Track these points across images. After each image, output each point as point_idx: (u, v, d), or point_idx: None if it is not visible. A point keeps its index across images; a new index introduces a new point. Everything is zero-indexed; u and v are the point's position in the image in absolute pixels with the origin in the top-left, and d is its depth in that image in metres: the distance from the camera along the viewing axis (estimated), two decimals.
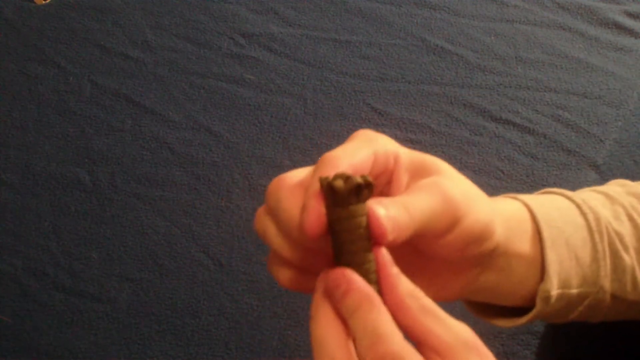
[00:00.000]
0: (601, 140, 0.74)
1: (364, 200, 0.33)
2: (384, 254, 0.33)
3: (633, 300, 0.45)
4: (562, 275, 0.43)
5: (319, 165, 0.35)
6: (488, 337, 0.59)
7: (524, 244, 0.42)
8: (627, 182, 0.50)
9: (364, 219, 0.33)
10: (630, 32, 0.84)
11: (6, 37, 0.86)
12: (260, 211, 0.37)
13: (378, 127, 0.76)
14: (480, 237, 0.38)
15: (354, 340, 0.32)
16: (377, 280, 0.33)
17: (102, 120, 0.78)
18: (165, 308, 0.63)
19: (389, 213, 0.33)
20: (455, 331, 0.33)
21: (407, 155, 0.39)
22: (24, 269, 0.66)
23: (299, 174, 0.37)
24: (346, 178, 0.32)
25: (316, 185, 0.34)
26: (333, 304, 0.33)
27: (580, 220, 0.45)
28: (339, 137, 0.75)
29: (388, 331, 0.32)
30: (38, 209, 0.70)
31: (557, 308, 0.44)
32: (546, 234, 0.43)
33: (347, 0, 0.89)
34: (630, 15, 0.86)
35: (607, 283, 0.44)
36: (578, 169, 0.72)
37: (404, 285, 0.33)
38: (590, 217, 0.44)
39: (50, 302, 0.64)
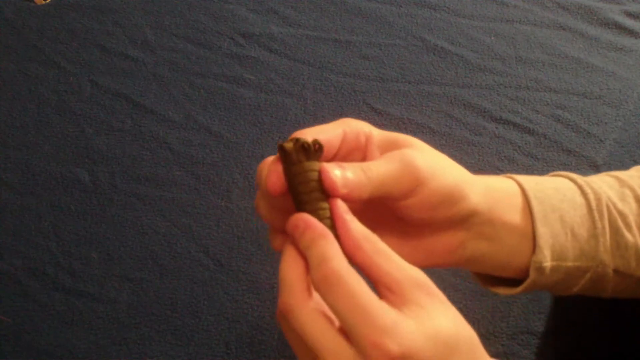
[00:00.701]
0: (601, 140, 0.74)
1: (314, 158, 0.38)
2: (339, 203, 0.38)
3: None
4: (556, 247, 0.44)
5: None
6: (488, 337, 0.60)
7: (512, 215, 0.45)
8: None
9: (315, 174, 0.38)
10: (630, 32, 0.84)
11: (6, 37, 0.86)
12: (257, 193, 0.42)
13: (378, 127, 0.76)
14: (447, 199, 0.41)
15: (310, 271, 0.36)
16: (332, 225, 0.37)
17: (102, 120, 0.78)
18: (165, 308, 0.63)
19: (345, 172, 0.38)
20: (406, 271, 0.36)
21: (380, 133, 0.43)
22: (24, 269, 0.66)
23: None
24: (296, 140, 0.38)
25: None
26: (295, 245, 0.37)
27: (580, 199, 0.46)
28: None
29: (331, 254, 0.35)
30: (38, 209, 0.70)
31: (556, 280, 0.46)
32: (537, 208, 0.45)
33: (347, 0, 0.89)
34: (630, 15, 0.86)
35: (607, 258, 0.45)
36: (578, 169, 0.72)
37: (358, 229, 0.37)
38: (591, 196, 0.46)
39: (50, 302, 0.64)
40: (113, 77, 0.82)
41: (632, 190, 0.46)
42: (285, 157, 0.38)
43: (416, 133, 0.75)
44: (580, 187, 0.46)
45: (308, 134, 0.40)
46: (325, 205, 0.37)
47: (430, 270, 0.64)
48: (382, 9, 0.88)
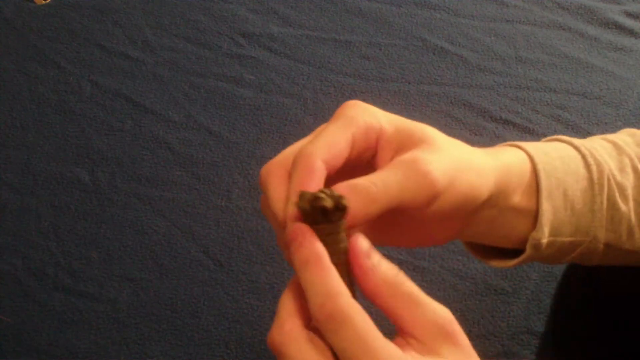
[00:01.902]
0: None
1: (335, 221, 0.34)
2: (359, 244, 0.34)
3: (629, 249, 0.46)
4: (555, 223, 0.44)
5: (295, 166, 0.37)
6: (488, 337, 0.60)
7: (519, 197, 0.44)
8: (638, 131, 0.51)
9: (341, 236, 0.34)
10: (630, 32, 0.84)
11: (6, 37, 0.86)
12: (263, 197, 0.39)
13: None
14: (461, 205, 0.39)
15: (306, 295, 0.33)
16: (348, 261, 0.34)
17: (102, 120, 0.78)
18: (165, 308, 0.63)
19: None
20: (432, 318, 0.33)
21: (392, 126, 0.39)
22: (24, 269, 0.66)
23: (285, 158, 0.38)
24: (314, 199, 0.34)
25: (291, 207, 0.35)
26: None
27: (583, 171, 0.46)
28: None
29: (336, 290, 0.32)
30: (38, 209, 0.70)
31: (549, 253, 0.45)
32: (544, 184, 0.44)
33: (347, 0, 0.89)
34: (630, 15, 0.86)
35: (601, 233, 0.46)
36: None
37: (382, 273, 0.34)
38: (594, 168, 0.46)
39: (50, 302, 0.64)
40: (113, 77, 0.82)
41: (631, 160, 0.47)
42: (305, 218, 0.34)
43: None
44: (584, 158, 0.46)
45: (316, 159, 0.36)
46: (344, 242, 0.35)
47: (430, 270, 0.64)
48: (382, 9, 0.88)
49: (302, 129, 0.75)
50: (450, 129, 0.75)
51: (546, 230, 0.43)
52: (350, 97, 0.78)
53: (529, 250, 0.44)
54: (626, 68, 0.80)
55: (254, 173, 0.72)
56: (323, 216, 0.34)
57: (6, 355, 0.61)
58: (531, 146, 0.46)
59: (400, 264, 0.64)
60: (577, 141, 0.48)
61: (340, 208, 0.34)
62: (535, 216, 0.44)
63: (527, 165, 0.44)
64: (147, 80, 0.81)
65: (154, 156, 0.74)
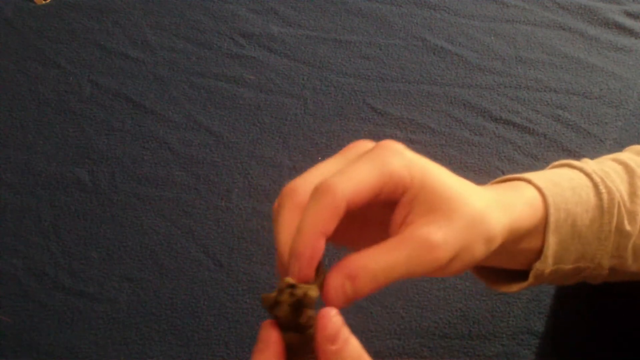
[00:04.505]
0: (601, 140, 0.74)
1: (305, 330, 0.34)
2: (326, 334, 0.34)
3: (634, 271, 0.46)
4: (559, 253, 0.44)
5: (315, 197, 0.36)
6: (488, 337, 0.60)
7: (528, 239, 0.43)
8: None
9: (310, 347, 0.35)
10: (630, 32, 0.84)
11: (6, 37, 0.86)
12: (275, 205, 0.38)
13: (378, 127, 0.76)
14: (469, 267, 0.39)
15: None
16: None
17: (102, 120, 0.78)
18: (165, 308, 0.63)
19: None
20: None
21: (419, 182, 0.38)
22: (24, 269, 0.66)
23: (306, 184, 0.37)
24: (293, 308, 0.34)
25: (310, 225, 0.35)
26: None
27: (594, 199, 0.45)
28: (339, 137, 0.75)
29: None
30: (38, 209, 0.70)
31: (551, 279, 0.45)
32: (553, 218, 0.43)
33: (347, 0, 0.89)
34: (630, 15, 0.86)
35: (605, 261, 0.46)
36: None
37: None
38: (605, 197, 0.45)
39: (50, 302, 0.64)
40: (113, 77, 0.82)
41: None
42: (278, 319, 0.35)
43: (416, 133, 0.75)
44: (595, 186, 0.46)
45: (342, 187, 0.35)
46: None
47: None
48: (382, 9, 0.88)
49: (302, 129, 0.75)
50: (450, 129, 0.75)
51: (550, 261, 0.43)
52: (350, 97, 0.79)
53: (531, 279, 0.44)
54: (626, 68, 0.80)
55: (254, 173, 0.72)
56: (295, 324, 0.34)
57: (6, 355, 0.61)
58: (542, 179, 0.45)
59: None
60: (588, 167, 0.47)
61: (309, 325, 0.34)
62: (540, 246, 0.44)
63: (538, 203, 0.43)
64: (147, 80, 0.81)
65: (154, 156, 0.74)
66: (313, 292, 0.34)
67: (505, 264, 0.46)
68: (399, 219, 0.38)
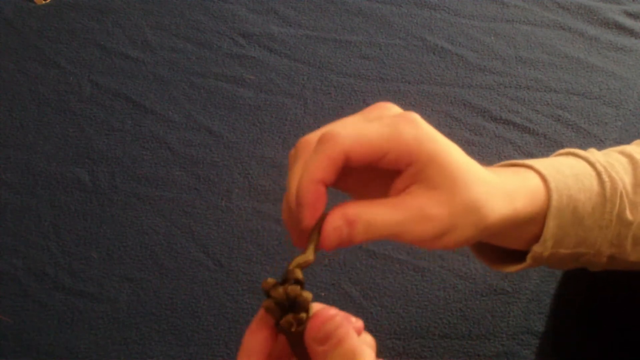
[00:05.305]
0: (601, 140, 0.74)
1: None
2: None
3: (633, 260, 0.47)
4: (559, 237, 0.44)
5: (318, 144, 0.37)
6: (488, 337, 0.60)
7: (529, 226, 0.44)
8: None
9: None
10: (630, 32, 0.84)
11: (6, 37, 0.86)
12: (292, 152, 0.40)
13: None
14: (459, 246, 0.40)
15: None
16: None
17: (102, 120, 0.78)
18: (165, 308, 0.63)
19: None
20: None
21: (425, 156, 0.38)
22: (24, 269, 0.66)
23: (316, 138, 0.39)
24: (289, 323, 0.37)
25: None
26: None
27: (597, 188, 0.46)
28: None
29: None
30: (38, 209, 0.70)
31: (549, 263, 0.46)
32: (555, 203, 0.44)
33: (347, 0, 0.89)
34: (630, 15, 0.86)
35: (605, 248, 0.46)
36: None
37: None
38: (608, 185, 0.46)
39: (50, 302, 0.64)
40: (113, 77, 0.82)
41: None
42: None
43: None
44: (598, 175, 0.46)
45: (344, 139, 0.36)
46: None
47: (430, 270, 0.64)
48: (382, 9, 0.88)
49: (302, 129, 0.75)
50: (450, 129, 0.75)
51: (549, 244, 0.44)
52: (350, 97, 0.79)
53: (529, 261, 0.44)
54: (626, 68, 0.80)
55: (254, 173, 0.72)
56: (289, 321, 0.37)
57: (6, 355, 0.61)
58: (546, 166, 0.45)
59: (400, 263, 0.64)
60: (592, 157, 0.47)
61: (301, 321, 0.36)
62: (540, 229, 0.44)
63: (541, 190, 0.44)
64: (147, 80, 0.81)
65: (154, 156, 0.74)
66: (307, 294, 0.36)
67: (506, 245, 0.46)
68: (400, 187, 0.39)
